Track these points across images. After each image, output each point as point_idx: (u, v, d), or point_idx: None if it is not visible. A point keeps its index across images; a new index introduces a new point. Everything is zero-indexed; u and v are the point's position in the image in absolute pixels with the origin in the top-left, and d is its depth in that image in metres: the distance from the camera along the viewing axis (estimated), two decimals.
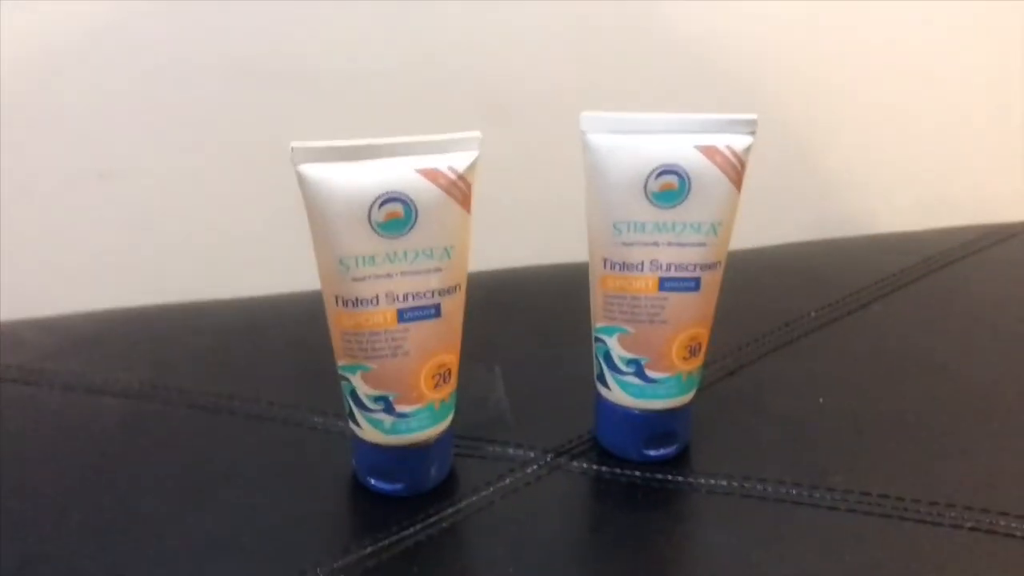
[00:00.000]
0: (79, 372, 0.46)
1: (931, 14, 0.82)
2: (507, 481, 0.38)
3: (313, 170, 0.32)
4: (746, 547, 0.35)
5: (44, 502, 0.37)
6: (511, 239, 0.65)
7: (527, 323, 0.52)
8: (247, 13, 0.72)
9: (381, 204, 0.32)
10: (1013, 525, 0.35)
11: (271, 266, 0.64)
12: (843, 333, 0.50)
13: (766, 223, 0.69)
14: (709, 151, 0.35)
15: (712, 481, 0.38)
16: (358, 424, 0.36)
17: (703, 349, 0.38)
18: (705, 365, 0.40)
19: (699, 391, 0.40)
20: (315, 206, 0.32)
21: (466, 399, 0.40)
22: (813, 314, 0.52)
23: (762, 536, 0.35)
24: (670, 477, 0.39)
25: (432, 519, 0.36)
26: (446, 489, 0.38)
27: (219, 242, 0.79)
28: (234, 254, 0.78)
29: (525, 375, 0.46)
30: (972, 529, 0.35)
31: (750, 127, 0.35)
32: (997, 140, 0.85)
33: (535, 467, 0.39)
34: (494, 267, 0.56)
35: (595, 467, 0.39)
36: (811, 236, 0.67)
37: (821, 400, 0.44)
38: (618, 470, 0.39)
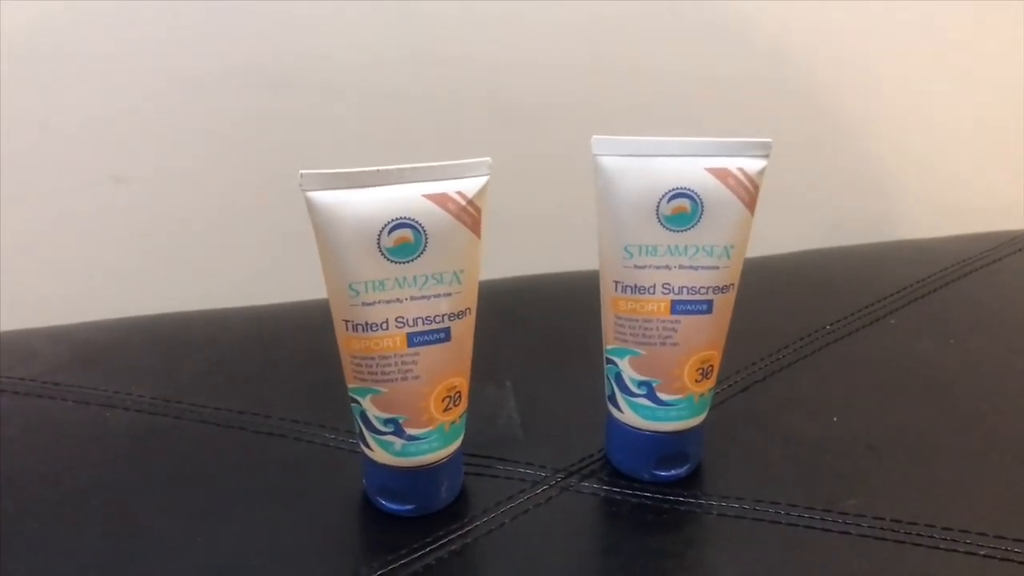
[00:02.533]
0: (91, 386, 0.46)
1: (950, 18, 0.81)
2: (517, 502, 0.38)
3: (322, 197, 0.32)
4: (757, 574, 0.35)
5: (54, 517, 0.37)
6: (523, 246, 0.65)
7: (538, 335, 0.52)
8: (262, 18, 0.72)
9: (391, 230, 0.32)
10: None
11: (285, 274, 0.64)
12: (858, 347, 0.50)
13: (783, 228, 0.68)
14: (722, 174, 0.34)
15: (723, 503, 0.38)
16: (368, 446, 0.36)
17: (715, 371, 0.38)
18: (717, 383, 0.40)
19: (711, 408, 0.40)
20: (324, 232, 0.32)
21: (477, 416, 0.40)
22: (828, 327, 0.51)
23: (773, 562, 0.35)
24: (681, 499, 0.38)
25: (442, 541, 0.36)
26: (456, 509, 0.38)
27: (233, 247, 0.79)
28: (248, 260, 0.79)
29: (535, 390, 0.46)
30: (986, 556, 0.35)
31: (764, 150, 0.35)
32: (1018, 145, 0.84)
33: (545, 487, 0.39)
34: (504, 275, 0.56)
35: (605, 488, 0.39)
36: (828, 242, 0.66)
37: (835, 419, 0.44)
38: (628, 491, 0.39)
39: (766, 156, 0.35)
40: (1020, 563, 0.35)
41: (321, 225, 0.32)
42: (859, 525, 0.37)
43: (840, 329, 0.51)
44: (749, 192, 0.35)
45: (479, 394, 0.41)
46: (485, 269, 0.37)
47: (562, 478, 0.40)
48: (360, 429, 0.36)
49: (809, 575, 0.35)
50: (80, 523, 0.37)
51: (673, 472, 0.39)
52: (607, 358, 0.39)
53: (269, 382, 0.47)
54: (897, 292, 0.56)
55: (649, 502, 0.38)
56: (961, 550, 0.35)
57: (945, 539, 0.36)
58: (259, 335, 0.52)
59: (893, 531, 0.36)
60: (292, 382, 0.47)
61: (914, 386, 0.46)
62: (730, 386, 0.46)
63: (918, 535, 0.36)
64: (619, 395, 0.38)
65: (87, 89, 0.72)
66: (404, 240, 0.33)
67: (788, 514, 0.37)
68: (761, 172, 0.35)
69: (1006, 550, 0.35)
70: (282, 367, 0.48)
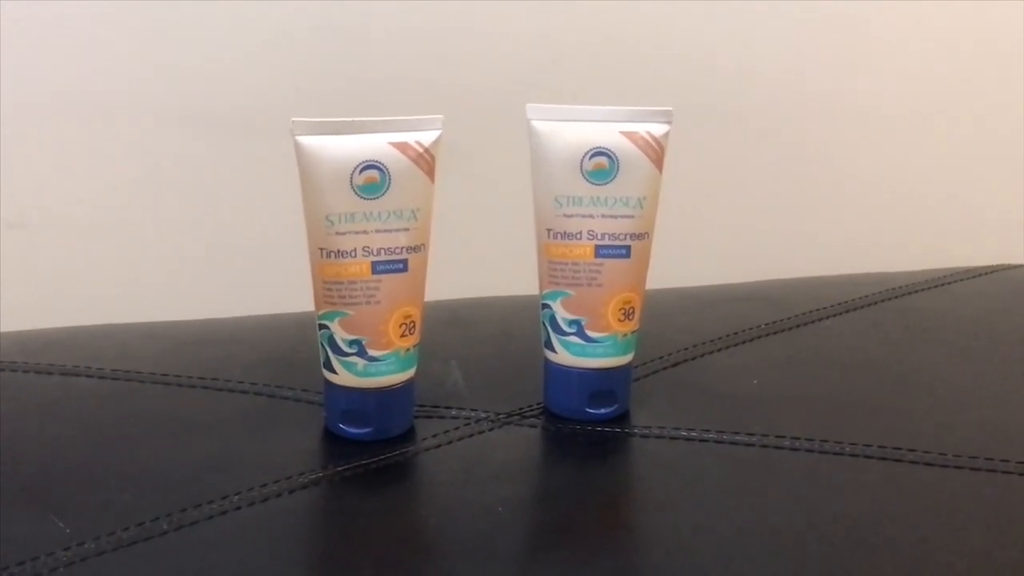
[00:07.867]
0: (48, 362, 0.69)
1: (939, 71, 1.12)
2: (462, 430, 0.62)
3: (308, 140, 0.57)
4: (691, 486, 0.58)
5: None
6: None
7: (484, 336, 0.76)
8: (155, 55, 1.00)
9: (361, 170, 0.57)
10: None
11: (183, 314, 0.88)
12: (788, 340, 0.75)
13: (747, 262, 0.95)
14: (633, 136, 0.60)
15: (647, 430, 0.62)
16: (333, 370, 0.60)
17: (636, 314, 0.63)
18: (651, 360, 0.64)
19: (640, 378, 0.65)
20: (308, 170, 0.57)
21: (426, 382, 0.64)
22: (763, 326, 0.77)
23: (711, 478, 0.59)
24: (611, 429, 0.62)
25: (397, 451, 0.59)
26: (408, 436, 0.61)
27: (128, 293, 1.05)
28: (143, 305, 1.04)
29: (478, 370, 0.70)
30: (876, 458, 0.59)
31: (667, 117, 0.61)
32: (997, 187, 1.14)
33: (488, 423, 0.63)
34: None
35: (542, 425, 0.63)
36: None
37: (755, 382, 0.68)
38: (563, 425, 0.63)
39: (668, 122, 0.61)
40: (895, 461, 0.59)
41: (306, 164, 0.57)
42: (763, 441, 0.61)
43: (775, 327, 0.77)
44: (656, 151, 0.61)
45: (426, 369, 0.65)
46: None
47: (503, 418, 0.63)
48: (326, 356, 0.60)
49: (719, 480, 0.58)
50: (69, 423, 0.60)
51: (603, 411, 0.63)
52: (543, 304, 0.63)
53: (228, 360, 0.70)
54: (840, 303, 0.82)
55: (581, 432, 0.62)
56: (849, 453, 0.60)
57: (836, 447, 0.60)
58: (211, 335, 0.76)
59: (793, 448, 0.61)
60: (251, 356, 0.71)
61: (838, 365, 0.72)
62: (662, 362, 0.70)
63: (810, 449, 0.60)
64: (553, 337, 0.63)
65: None
66: (372, 180, 0.58)
67: (701, 435, 0.61)
68: (665, 135, 0.61)
69: (900, 456, 0.60)
70: (239, 355, 0.72)
